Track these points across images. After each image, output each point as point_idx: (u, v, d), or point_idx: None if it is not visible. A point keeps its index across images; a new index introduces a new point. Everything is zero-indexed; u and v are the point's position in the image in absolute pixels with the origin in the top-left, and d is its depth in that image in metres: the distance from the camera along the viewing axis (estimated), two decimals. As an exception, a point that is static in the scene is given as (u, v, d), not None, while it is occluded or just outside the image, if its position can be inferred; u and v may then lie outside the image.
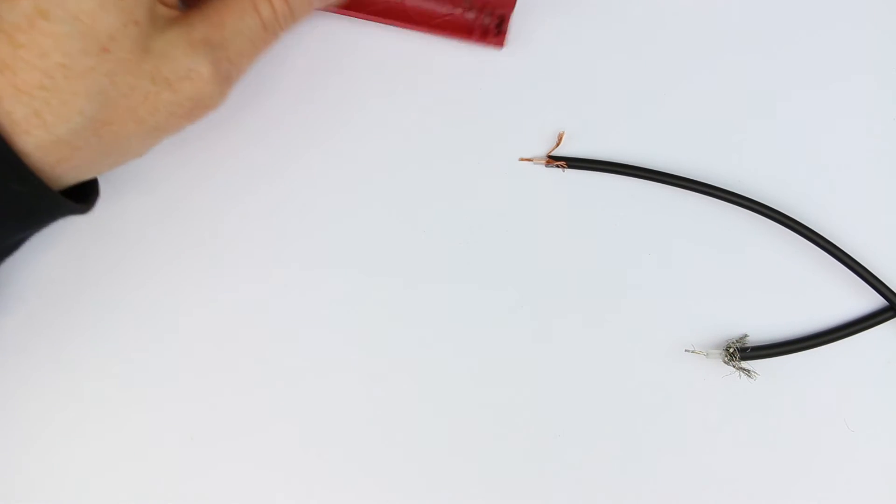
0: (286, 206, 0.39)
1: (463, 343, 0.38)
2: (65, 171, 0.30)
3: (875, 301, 0.38)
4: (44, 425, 0.37)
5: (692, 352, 0.38)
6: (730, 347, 0.37)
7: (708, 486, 0.37)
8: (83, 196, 0.32)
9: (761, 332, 0.38)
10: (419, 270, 0.39)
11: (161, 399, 0.38)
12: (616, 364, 0.38)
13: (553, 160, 0.39)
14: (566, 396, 0.38)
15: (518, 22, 0.39)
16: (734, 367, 0.37)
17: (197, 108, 0.31)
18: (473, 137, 0.39)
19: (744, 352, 0.37)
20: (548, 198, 0.39)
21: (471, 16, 0.38)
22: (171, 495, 0.37)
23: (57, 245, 0.38)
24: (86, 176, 0.31)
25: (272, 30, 0.33)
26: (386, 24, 0.39)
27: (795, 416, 0.38)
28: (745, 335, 0.38)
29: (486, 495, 0.37)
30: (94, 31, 0.27)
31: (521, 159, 0.39)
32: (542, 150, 0.39)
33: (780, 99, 0.40)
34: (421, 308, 0.38)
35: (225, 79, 0.32)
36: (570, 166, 0.39)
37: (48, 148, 0.28)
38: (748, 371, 0.37)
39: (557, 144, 0.39)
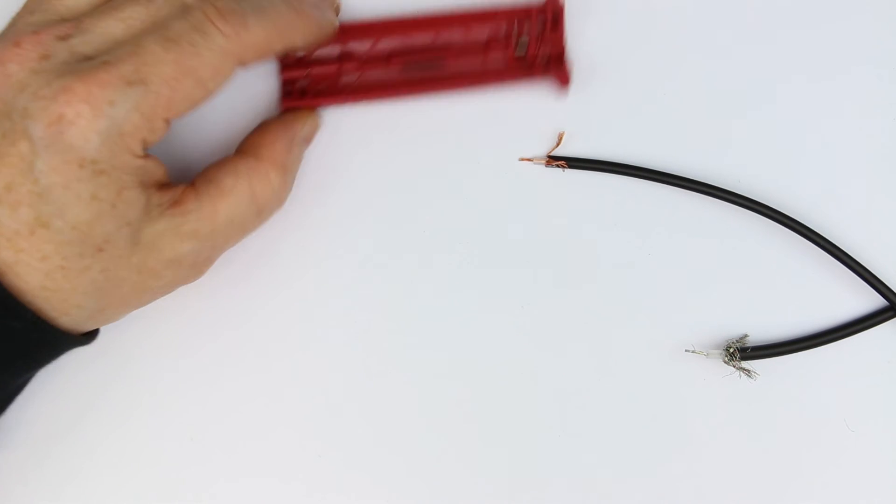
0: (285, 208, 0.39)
1: (462, 343, 0.38)
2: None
3: (875, 301, 0.38)
4: (43, 426, 0.37)
5: (692, 352, 0.38)
6: (730, 347, 0.37)
7: (707, 486, 0.37)
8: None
9: (761, 332, 0.38)
10: (418, 270, 0.38)
11: (161, 400, 0.38)
12: (616, 364, 0.38)
13: (553, 160, 0.39)
14: (566, 397, 0.38)
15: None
16: (734, 367, 0.37)
17: (177, 285, 0.33)
18: (473, 137, 0.39)
19: (744, 352, 0.37)
20: (548, 198, 0.39)
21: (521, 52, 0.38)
22: (171, 496, 0.37)
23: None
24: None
25: (266, 216, 0.34)
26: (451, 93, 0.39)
27: (795, 416, 0.38)
28: (745, 335, 0.38)
29: (486, 495, 0.37)
30: (91, 236, 0.29)
31: (521, 159, 0.39)
32: (542, 150, 0.39)
33: (780, 98, 0.40)
34: (420, 308, 0.38)
35: (205, 262, 0.33)
36: (570, 166, 0.39)
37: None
38: (748, 371, 0.37)
39: (557, 144, 0.39)
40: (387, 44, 0.38)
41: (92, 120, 0.28)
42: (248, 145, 0.35)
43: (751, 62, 0.40)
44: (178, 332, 0.38)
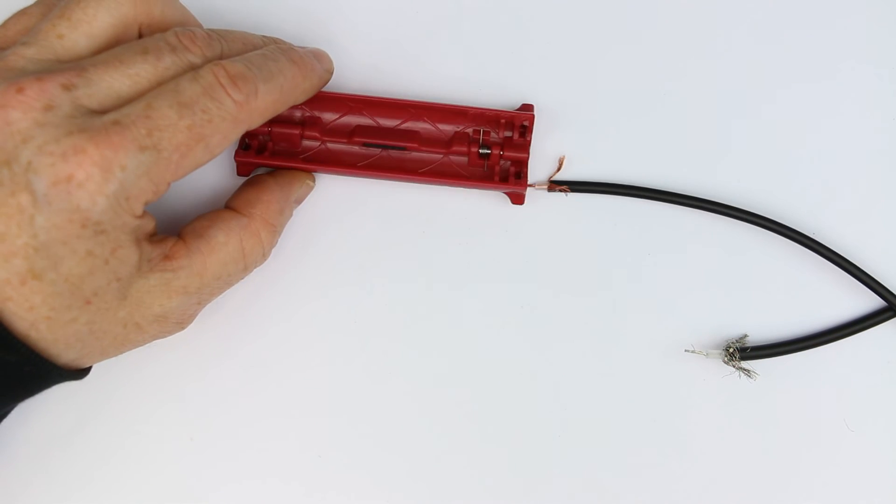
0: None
1: (462, 344, 0.38)
2: None
3: (874, 301, 0.38)
4: (45, 427, 0.37)
5: (692, 352, 0.38)
6: (730, 347, 0.37)
7: (707, 486, 0.37)
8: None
9: (761, 332, 0.38)
10: (418, 272, 0.38)
11: (161, 399, 0.38)
12: (616, 364, 0.38)
13: (556, 185, 0.38)
14: (566, 397, 0.38)
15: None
16: (734, 367, 0.37)
17: (155, 339, 0.33)
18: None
19: (744, 352, 0.37)
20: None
21: (486, 151, 0.37)
22: (171, 495, 0.37)
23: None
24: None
25: (250, 271, 0.35)
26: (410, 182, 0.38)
27: (795, 416, 0.38)
28: (745, 335, 0.38)
29: (486, 496, 0.37)
30: (81, 290, 0.28)
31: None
32: (544, 175, 0.39)
33: (775, 105, 0.39)
34: (419, 309, 0.38)
35: (189, 318, 0.34)
36: (573, 190, 0.38)
37: None
38: (748, 371, 0.37)
39: (559, 169, 0.39)
40: (352, 119, 0.38)
41: (102, 184, 0.28)
42: (241, 201, 0.35)
43: (744, 69, 0.40)
44: (179, 333, 0.38)
